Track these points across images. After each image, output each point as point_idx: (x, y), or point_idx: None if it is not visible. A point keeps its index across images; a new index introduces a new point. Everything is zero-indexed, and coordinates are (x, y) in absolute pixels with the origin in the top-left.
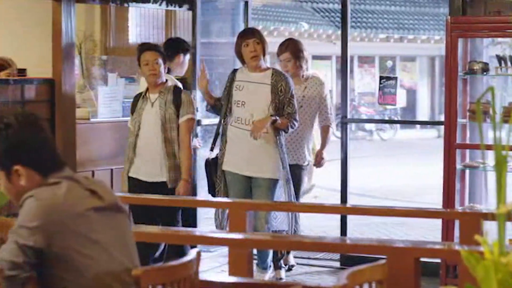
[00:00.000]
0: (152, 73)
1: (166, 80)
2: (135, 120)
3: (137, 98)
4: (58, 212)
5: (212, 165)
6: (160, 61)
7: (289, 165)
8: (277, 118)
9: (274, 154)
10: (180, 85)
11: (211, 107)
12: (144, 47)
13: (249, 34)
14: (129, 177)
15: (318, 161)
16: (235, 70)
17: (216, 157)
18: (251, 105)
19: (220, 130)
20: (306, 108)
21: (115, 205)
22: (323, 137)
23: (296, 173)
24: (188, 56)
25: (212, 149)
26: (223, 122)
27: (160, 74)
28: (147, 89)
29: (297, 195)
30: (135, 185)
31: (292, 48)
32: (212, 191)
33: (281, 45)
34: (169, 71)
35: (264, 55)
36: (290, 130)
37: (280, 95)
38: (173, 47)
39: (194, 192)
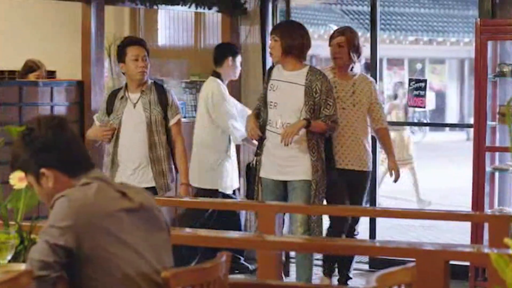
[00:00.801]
0: (142, 70)
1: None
2: (114, 122)
3: (112, 97)
4: (88, 212)
5: (253, 171)
6: (148, 58)
7: (347, 170)
8: (310, 121)
9: (306, 157)
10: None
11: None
12: (132, 40)
13: (273, 29)
14: None
15: (396, 177)
16: (271, 68)
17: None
18: (282, 107)
19: (264, 134)
20: (358, 106)
21: (146, 206)
22: (385, 143)
23: (355, 179)
24: (239, 58)
25: (256, 154)
26: (263, 121)
27: (148, 72)
28: (125, 88)
29: (359, 203)
30: None
31: (348, 34)
32: (251, 197)
33: (336, 30)
34: (219, 76)
35: (288, 54)
36: (330, 133)
37: (315, 96)
38: (221, 52)
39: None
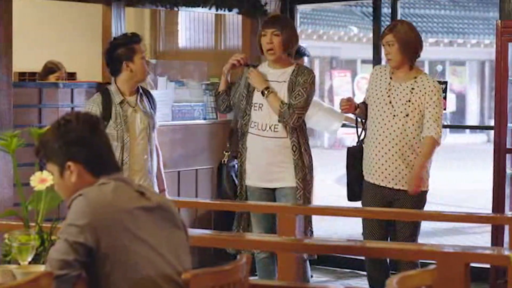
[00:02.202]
0: (146, 69)
1: None
2: (118, 130)
3: (107, 103)
4: (107, 209)
5: (225, 170)
6: None
7: (387, 188)
8: (269, 90)
9: (292, 161)
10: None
11: (219, 93)
12: (137, 37)
13: (269, 23)
14: None
15: (411, 191)
16: (254, 66)
17: (231, 161)
18: (269, 109)
19: (240, 132)
20: (412, 115)
21: (163, 206)
22: (421, 150)
23: (403, 201)
24: (305, 59)
25: (227, 151)
26: (243, 122)
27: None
28: (119, 91)
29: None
30: None
31: (398, 31)
32: (224, 196)
33: (388, 26)
34: None
35: (286, 50)
36: (282, 119)
37: (294, 90)
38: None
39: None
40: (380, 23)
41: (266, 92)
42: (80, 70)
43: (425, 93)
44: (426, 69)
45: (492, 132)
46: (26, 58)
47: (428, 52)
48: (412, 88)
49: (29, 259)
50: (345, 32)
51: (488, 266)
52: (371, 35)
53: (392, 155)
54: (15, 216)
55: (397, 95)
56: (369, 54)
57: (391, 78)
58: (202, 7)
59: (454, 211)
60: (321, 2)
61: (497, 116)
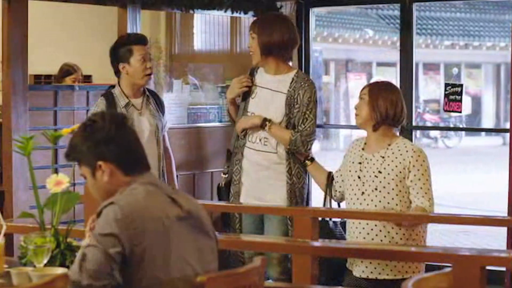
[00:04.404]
0: (151, 72)
1: None
2: None
3: (111, 106)
4: (139, 216)
5: (226, 192)
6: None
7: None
8: (268, 121)
9: (283, 181)
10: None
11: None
12: (138, 37)
13: (251, 24)
14: None
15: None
16: (253, 70)
17: (229, 182)
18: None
19: (234, 147)
20: (384, 188)
21: (194, 214)
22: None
23: None
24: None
25: (225, 173)
26: (241, 134)
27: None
28: (123, 94)
29: None
30: None
31: (374, 85)
32: (227, 221)
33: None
34: None
35: (268, 53)
36: (292, 150)
37: (295, 107)
38: None
39: None
40: (411, 26)
41: (267, 123)
42: (95, 72)
43: (402, 160)
44: (442, 72)
45: (507, 134)
46: (41, 60)
47: (444, 55)
48: (383, 157)
49: (45, 261)
50: (361, 34)
51: (503, 269)
52: (386, 37)
53: (372, 239)
54: (31, 219)
55: (368, 168)
56: (384, 56)
57: (363, 149)
58: (218, 10)
59: (470, 214)
60: (336, 5)
61: None
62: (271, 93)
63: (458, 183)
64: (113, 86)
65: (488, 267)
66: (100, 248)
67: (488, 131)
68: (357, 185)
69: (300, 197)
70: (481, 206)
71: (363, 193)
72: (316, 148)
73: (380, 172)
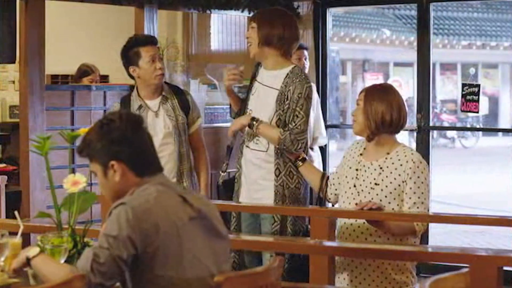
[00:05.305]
0: (162, 72)
1: None
2: None
3: (125, 108)
4: (150, 217)
5: (224, 191)
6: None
7: None
8: (256, 120)
9: (271, 182)
10: None
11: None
12: (145, 38)
13: (251, 17)
14: None
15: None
16: (258, 65)
17: (231, 179)
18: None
19: (238, 145)
20: (383, 187)
21: (205, 214)
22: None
23: None
24: (305, 52)
25: (223, 171)
26: (244, 131)
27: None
28: (139, 96)
29: None
30: None
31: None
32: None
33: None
34: None
35: (262, 45)
36: (283, 150)
37: (285, 104)
38: None
39: None
40: (428, 26)
41: (255, 123)
42: (112, 73)
43: (402, 172)
44: (459, 72)
45: None
46: (58, 61)
47: (461, 55)
48: (381, 168)
49: (62, 261)
50: (378, 34)
51: None
52: (403, 37)
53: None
54: (48, 218)
55: (365, 177)
56: (401, 56)
57: (361, 154)
58: (234, 10)
59: (487, 214)
60: (353, 5)
61: None
62: (265, 89)
63: (475, 183)
64: (133, 87)
65: (505, 268)
66: (112, 251)
67: (506, 131)
68: (352, 193)
69: (292, 197)
70: (499, 206)
71: (357, 204)
72: (333, 148)
73: (376, 184)
